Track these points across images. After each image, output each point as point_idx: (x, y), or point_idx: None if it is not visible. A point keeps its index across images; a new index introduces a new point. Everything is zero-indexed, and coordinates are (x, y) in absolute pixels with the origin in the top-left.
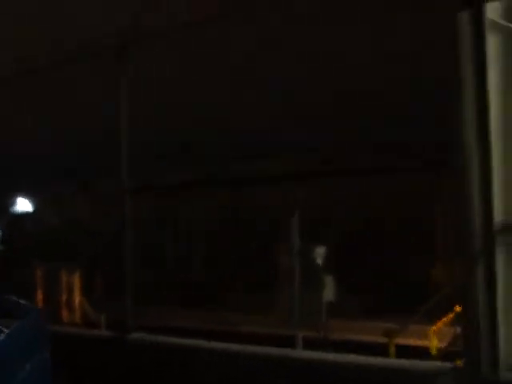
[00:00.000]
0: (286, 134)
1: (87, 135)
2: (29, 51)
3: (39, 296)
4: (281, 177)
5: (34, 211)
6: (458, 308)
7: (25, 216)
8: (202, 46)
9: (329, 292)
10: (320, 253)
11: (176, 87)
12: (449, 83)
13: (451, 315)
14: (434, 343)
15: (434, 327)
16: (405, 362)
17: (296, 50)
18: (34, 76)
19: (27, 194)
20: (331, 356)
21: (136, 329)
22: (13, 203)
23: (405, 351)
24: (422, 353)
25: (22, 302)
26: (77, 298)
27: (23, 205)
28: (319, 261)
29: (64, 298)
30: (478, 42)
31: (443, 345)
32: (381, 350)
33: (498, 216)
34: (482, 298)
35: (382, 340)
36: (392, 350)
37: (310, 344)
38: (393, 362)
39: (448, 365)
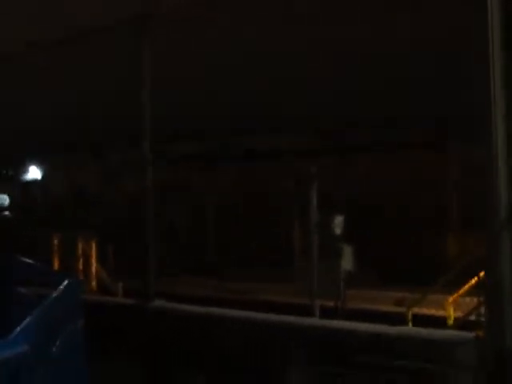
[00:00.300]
0: (297, 109)
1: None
2: (53, 24)
3: (55, 263)
4: (298, 151)
5: (45, 179)
6: (474, 279)
7: (35, 184)
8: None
9: (347, 261)
10: (338, 223)
11: (194, 63)
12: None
13: (468, 286)
14: (451, 313)
15: (451, 297)
16: (425, 331)
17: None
18: (56, 49)
19: (39, 162)
20: (348, 324)
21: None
22: (25, 171)
23: (421, 321)
24: (439, 323)
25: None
26: (93, 266)
27: (35, 173)
28: (337, 230)
29: (80, 265)
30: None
31: (460, 315)
32: (398, 320)
33: None
34: (505, 269)
35: (399, 309)
36: (409, 319)
37: (327, 313)
38: (412, 330)
39: (469, 334)
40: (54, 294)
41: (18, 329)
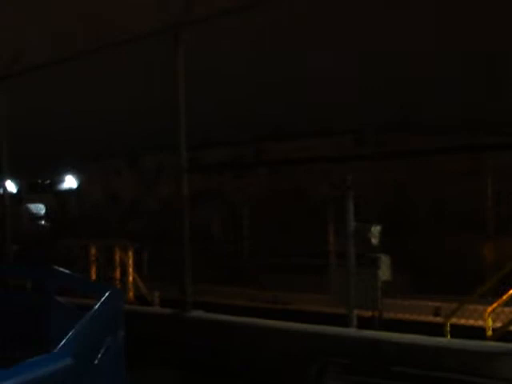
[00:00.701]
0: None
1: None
2: (85, 34)
3: (93, 272)
4: (329, 158)
5: (81, 188)
6: None
7: (71, 193)
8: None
9: (384, 271)
10: (375, 232)
11: (226, 69)
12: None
13: (507, 295)
14: (490, 324)
15: (489, 307)
16: (463, 342)
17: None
18: (89, 58)
19: (75, 171)
20: (386, 335)
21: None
22: (61, 180)
23: (460, 331)
24: (477, 333)
25: (94, 281)
26: (130, 276)
27: (71, 182)
28: (374, 240)
29: (118, 275)
30: None
31: (498, 325)
32: (436, 330)
33: None
34: None
35: (437, 320)
36: (447, 329)
37: (364, 323)
38: (451, 341)
39: (509, 345)
40: (96, 306)
41: (62, 342)
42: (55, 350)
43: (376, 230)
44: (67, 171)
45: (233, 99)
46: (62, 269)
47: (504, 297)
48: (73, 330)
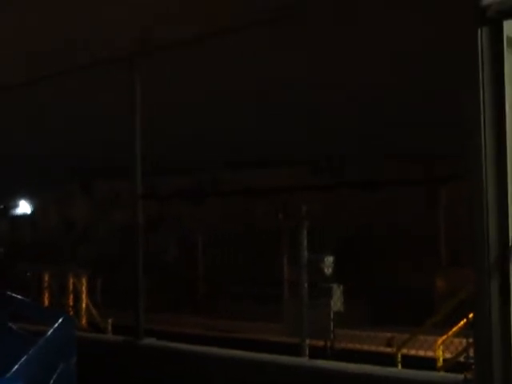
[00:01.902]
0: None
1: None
2: (39, 59)
3: (45, 299)
4: (283, 188)
5: (34, 213)
6: (464, 320)
7: (25, 218)
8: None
9: (337, 301)
10: (328, 263)
11: (184, 96)
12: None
13: (457, 327)
14: (440, 355)
15: (440, 339)
16: (414, 372)
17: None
18: (44, 84)
19: (29, 196)
20: (338, 365)
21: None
22: (14, 206)
23: (411, 362)
24: (428, 364)
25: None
26: (84, 302)
27: (25, 207)
28: (327, 270)
29: (71, 301)
30: (497, 57)
31: (449, 356)
32: (387, 360)
33: None
34: (494, 310)
35: (389, 350)
36: (398, 360)
37: (316, 352)
38: (402, 372)
39: (458, 376)
40: (49, 332)
41: (15, 367)
42: (8, 375)
43: (329, 260)
44: (21, 196)
45: (191, 127)
46: (14, 295)
47: (454, 328)
48: (26, 355)
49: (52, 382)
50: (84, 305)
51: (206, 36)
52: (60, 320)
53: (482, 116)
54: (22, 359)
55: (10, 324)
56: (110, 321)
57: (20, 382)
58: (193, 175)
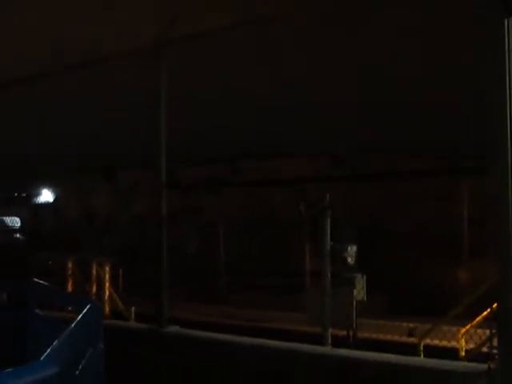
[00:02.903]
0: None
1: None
2: (63, 50)
3: (69, 287)
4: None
5: (57, 202)
6: (487, 310)
7: (48, 207)
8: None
9: (359, 291)
10: (351, 252)
11: (206, 87)
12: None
13: (481, 317)
14: (463, 345)
15: (463, 329)
16: (436, 362)
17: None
18: (71, 74)
19: (52, 185)
20: (360, 354)
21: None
22: (37, 194)
23: (433, 351)
24: (450, 354)
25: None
26: (107, 291)
27: (47, 196)
28: (350, 259)
29: (94, 289)
30: None
31: (472, 347)
32: (409, 350)
33: None
34: None
35: (411, 340)
36: (420, 349)
37: (338, 342)
38: (424, 361)
39: (481, 366)
40: (78, 318)
41: (48, 351)
42: (42, 359)
43: (352, 250)
44: (44, 185)
45: (211, 117)
46: (42, 282)
47: (477, 318)
48: (57, 340)
49: (81, 366)
50: (107, 293)
51: (232, 27)
52: (87, 307)
53: (508, 109)
54: (54, 344)
55: (37, 311)
56: (133, 309)
57: (54, 365)
58: (212, 165)
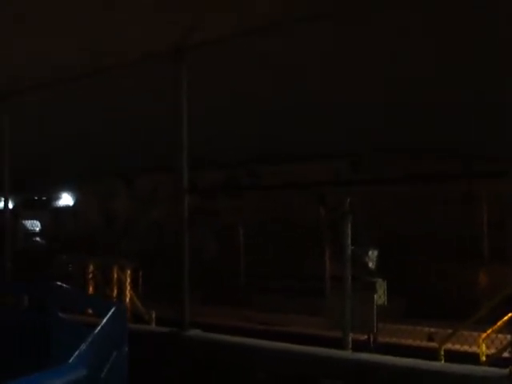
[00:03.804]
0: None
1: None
2: (85, 54)
3: (90, 290)
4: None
5: (77, 206)
6: (508, 315)
7: (68, 210)
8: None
9: (380, 296)
10: (372, 256)
11: (224, 91)
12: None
13: (501, 322)
14: (483, 350)
15: (484, 334)
16: (458, 367)
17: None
18: (89, 78)
19: (72, 189)
20: (381, 358)
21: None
22: (57, 198)
23: (453, 356)
24: (471, 359)
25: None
26: (128, 294)
27: (67, 200)
28: (371, 264)
29: (115, 293)
30: None
31: (492, 351)
32: (430, 355)
33: None
34: None
35: (431, 345)
36: (441, 354)
37: (359, 346)
38: (445, 366)
39: (503, 371)
40: (103, 321)
41: (76, 354)
42: (71, 361)
43: (373, 254)
44: (64, 189)
45: (227, 121)
46: (64, 285)
47: (498, 323)
48: (84, 344)
49: (106, 370)
50: (128, 297)
51: (250, 31)
52: (112, 310)
53: None
54: (81, 347)
55: (60, 315)
56: (153, 313)
57: (81, 368)
58: (229, 169)
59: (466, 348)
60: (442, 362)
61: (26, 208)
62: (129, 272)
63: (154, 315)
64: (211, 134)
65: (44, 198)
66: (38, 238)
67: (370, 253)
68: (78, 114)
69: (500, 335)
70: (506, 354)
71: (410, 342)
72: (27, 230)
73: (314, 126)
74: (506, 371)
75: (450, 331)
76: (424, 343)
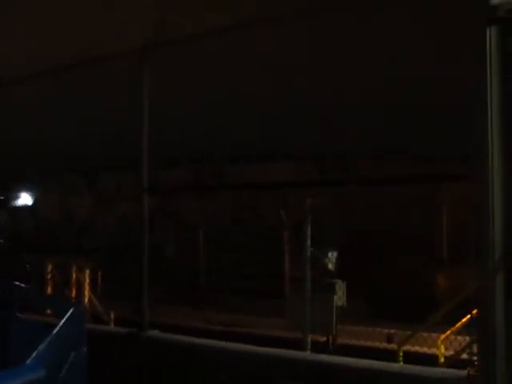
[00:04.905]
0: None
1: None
2: (51, 52)
3: (48, 290)
4: (286, 183)
5: (36, 205)
6: (466, 317)
7: (25, 209)
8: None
9: (340, 297)
10: (331, 257)
11: (191, 90)
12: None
13: (460, 324)
14: (442, 351)
15: (442, 335)
16: (416, 368)
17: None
18: (55, 76)
19: (30, 187)
20: (340, 359)
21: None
22: (15, 197)
23: (412, 358)
24: (430, 360)
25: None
26: (86, 294)
27: (25, 199)
28: (330, 265)
29: (74, 293)
30: (504, 55)
31: (450, 353)
32: (388, 356)
33: None
34: (499, 305)
35: (390, 346)
36: (400, 356)
37: (318, 347)
38: (403, 367)
39: (461, 372)
40: (62, 321)
41: (35, 354)
42: (29, 361)
43: (333, 255)
44: (23, 188)
45: (193, 120)
46: (23, 285)
47: (457, 324)
48: (43, 344)
49: (64, 370)
50: (87, 297)
51: (221, 31)
52: (71, 310)
53: (489, 119)
54: (40, 347)
55: (19, 314)
56: (112, 313)
57: (39, 369)
58: (193, 169)
59: (424, 349)
60: (401, 363)
61: None
62: (88, 272)
63: (112, 315)
64: (178, 134)
65: (2, 197)
66: None
67: (330, 254)
68: (41, 111)
69: (459, 337)
70: (464, 356)
71: (369, 343)
72: None
73: (287, 126)
74: (464, 373)
75: (409, 333)
76: (383, 345)
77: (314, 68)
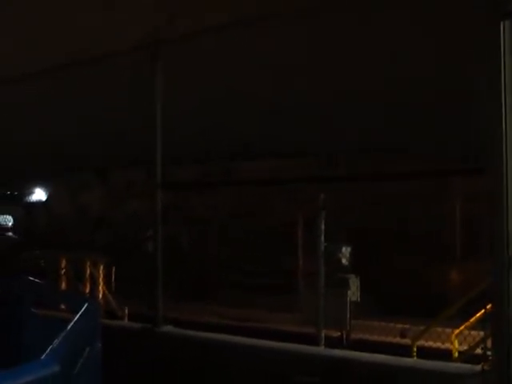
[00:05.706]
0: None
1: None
2: (61, 50)
3: (63, 285)
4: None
5: (50, 200)
6: (481, 312)
7: (40, 205)
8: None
9: (353, 292)
10: (345, 253)
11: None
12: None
13: (474, 318)
14: (456, 346)
15: (456, 330)
16: (430, 363)
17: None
18: (67, 73)
19: (44, 183)
20: (355, 354)
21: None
22: (30, 193)
23: (426, 353)
24: (444, 355)
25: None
26: (100, 289)
27: (40, 194)
28: (344, 260)
29: (88, 288)
30: None
31: (465, 348)
32: (402, 351)
33: None
34: None
35: (404, 341)
36: (414, 351)
37: (332, 343)
38: (417, 362)
39: (475, 367)
40: (76, 317)
41: (49, 350)
42: (43, 357)
43: (347, 250)
44: (37, 183)
45: (203, 117)
46: (38, 280)
47: (471, 319)
48: (58, 339)
49: (79, 365)
50: (101, 292)
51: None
52: (86, 306)
53: (504, 113)
54: (54, 343)
55: (34, 310)
56: (126, 308)
57: (55, 363)
58: (204, 165)
59: (438, 344)
60: (415, 358)
61: None
62: (101, 267)
63: (126, 311)
64: (188, 131)
65: (16, 193)
66: (10, 233)
67: (344, 249)
68: (53, 109)
69: (473, 332)
70: (478, 351)
71: (382, 338)
72: None
73: (294, 124)
74: (478, 368)
75: (422, 328)
76: (397, 340)
77: (313, 68)
